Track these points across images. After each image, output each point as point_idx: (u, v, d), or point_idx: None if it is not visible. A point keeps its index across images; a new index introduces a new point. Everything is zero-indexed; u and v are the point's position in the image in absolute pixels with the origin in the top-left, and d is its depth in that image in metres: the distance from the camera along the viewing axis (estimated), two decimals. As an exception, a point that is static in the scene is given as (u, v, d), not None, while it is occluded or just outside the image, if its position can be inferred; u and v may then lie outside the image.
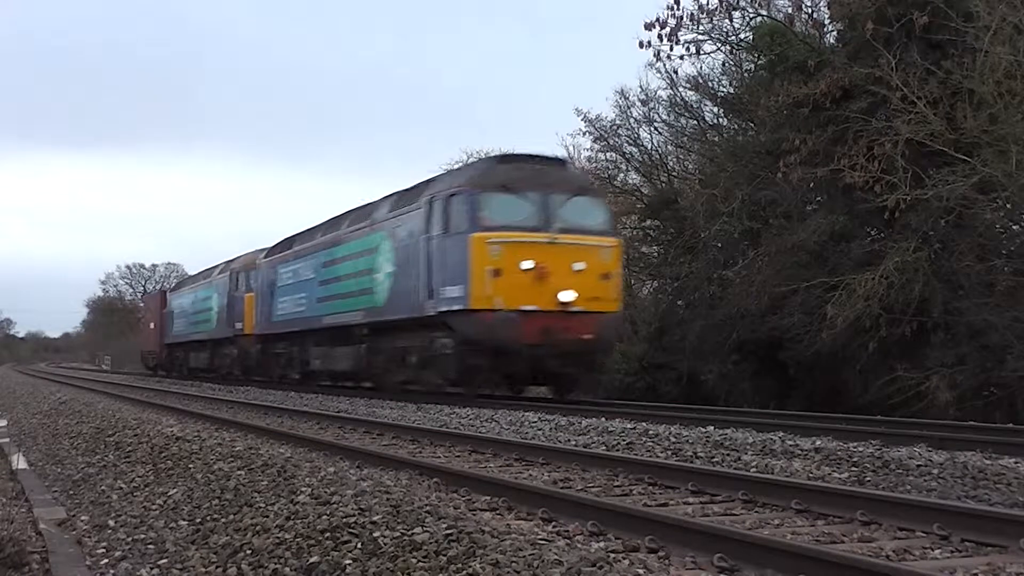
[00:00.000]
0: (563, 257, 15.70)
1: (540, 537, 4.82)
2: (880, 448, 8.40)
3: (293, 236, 27.09)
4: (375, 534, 4.64)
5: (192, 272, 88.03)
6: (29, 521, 6.39)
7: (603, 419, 12.07)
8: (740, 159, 23.30)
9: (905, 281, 17.50)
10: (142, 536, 5.84)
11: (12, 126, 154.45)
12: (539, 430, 11.38)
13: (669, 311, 26.93)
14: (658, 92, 28.13)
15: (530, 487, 6.50)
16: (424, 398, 18.10)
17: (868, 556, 4.46)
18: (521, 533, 4.82)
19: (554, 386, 17.64)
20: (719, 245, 24.72)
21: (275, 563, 4.62)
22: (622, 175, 31.32)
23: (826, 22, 22.29)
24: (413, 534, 4.55)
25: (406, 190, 19.42)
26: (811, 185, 20.76)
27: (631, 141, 30.28)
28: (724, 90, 26.32)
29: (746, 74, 25.12)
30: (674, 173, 29.76)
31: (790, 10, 22.70)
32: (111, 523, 6.34)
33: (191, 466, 7.89)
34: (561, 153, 28.23)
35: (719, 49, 24.48)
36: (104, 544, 5.75)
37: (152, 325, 47.05)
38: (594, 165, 31.30)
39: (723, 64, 25.81)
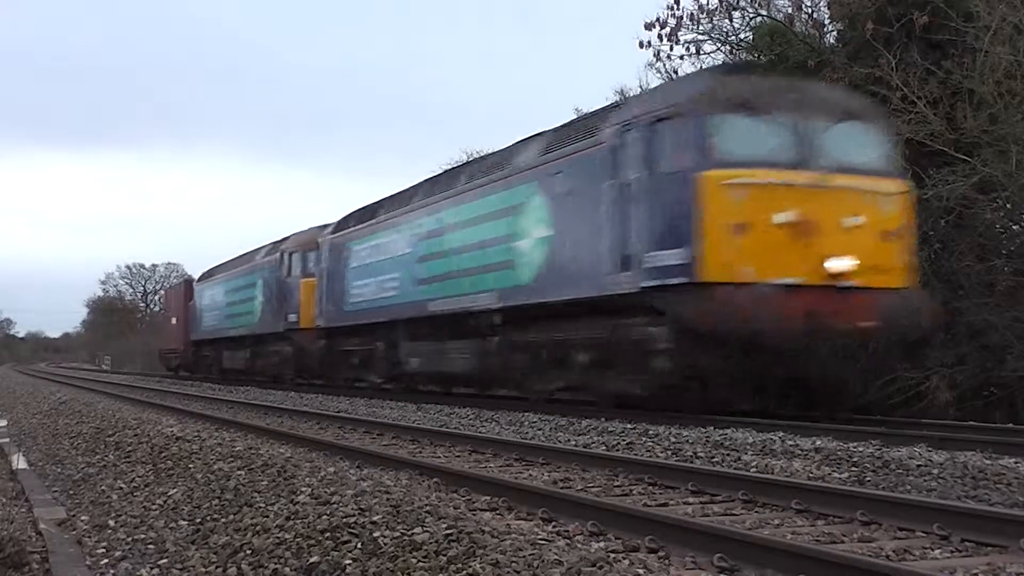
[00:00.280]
0: (832, 207, 11.22)
1: (540, 537, 4.82)
2: (880, 448, 8.40)
3: (374, 204, 22.01)
4: (375, 534, 4.64)
5: (186, 273, 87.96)
6: (29, 521, 6.38)
7: (603, 419, 12.07)
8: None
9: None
10: (142, 536, 5.84)
11: (12, 126, 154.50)
12: (539, 430, 11.38)
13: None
14: (658, 92, 28.13)
15: (530, 487, 6.50)
16: (423, 398, 18.06)
17: (868, 556, 4.46)
18: (521, 533, 4.82)
19: (814, 398, 12.20)
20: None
21: (275, 563, 4.62)
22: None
23: (826, 22, 22.27)
24: (413, 534, 4.55)
25: (567, 124, 14.92)
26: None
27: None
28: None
29: (746, 74, 25.10)
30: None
31: (790, 10, 22.67)
32: (111, 523, 6.35)
33: (191, 466, 7.89)
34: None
35: (719, 49, 24.43)
36: (104, 544, 5.75)
37: (174, 320, 42.03)
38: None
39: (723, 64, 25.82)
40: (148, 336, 75.93)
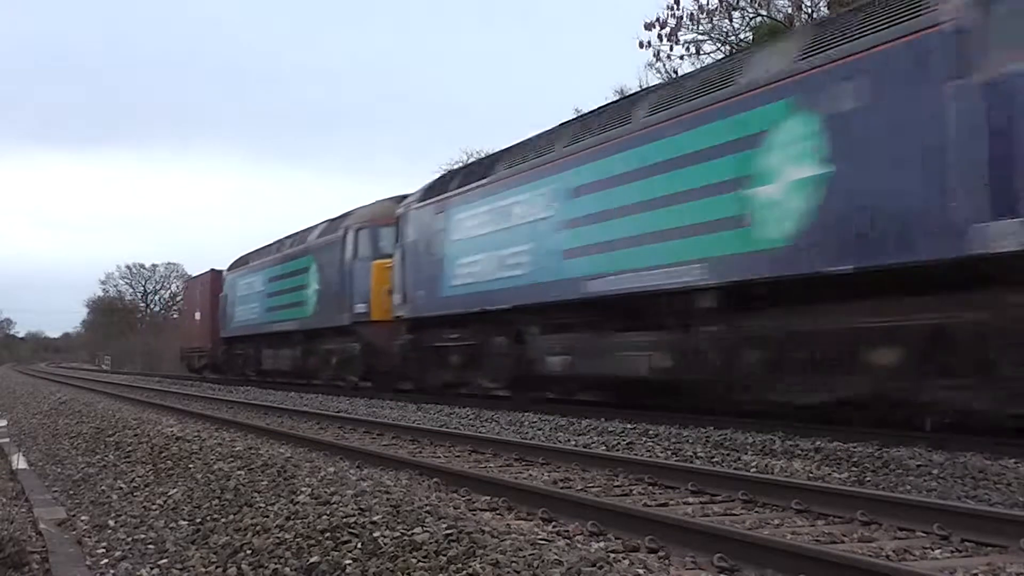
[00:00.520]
0: None
1: (540, 537, 4.82)
2: (880, 448, 8.40)
3: (486, 158, 18.63)
4: (375, 534, 4.64)
5: (186, 272, 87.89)
6: (29, 521, 6.38)
7: (603, 419, 12.08)
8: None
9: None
10: (142, 536, 5.84)
11: (12, 126, 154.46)
12: (539, 430, 11.39)
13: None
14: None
15: (530, 487, 6.50)
16: (425, 398, 18.05)
17: (868, 556, 4.46)
18: (521, 533, 4.82)
19: None
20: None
21: (275, 563, 4.62)
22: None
23: (826, 22, 22.30)
24: (413, 534, 4.55)
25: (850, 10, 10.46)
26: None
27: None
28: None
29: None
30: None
31: (790, 10, 22.73)
32: (111, 523, 6.34)
33: (191, 466, 7.89)
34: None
35: (719, 49, 24.49)
36: (104, 544, 5.75)
37: (196, 316, 37.67)
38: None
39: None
40: (148, 336, 76.06)
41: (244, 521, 5.54)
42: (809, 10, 22.96)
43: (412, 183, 22.26)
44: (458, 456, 9.16)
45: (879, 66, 9.14)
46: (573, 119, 15.71)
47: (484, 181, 16.15)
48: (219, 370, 35.44)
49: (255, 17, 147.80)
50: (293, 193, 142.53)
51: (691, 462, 8.11)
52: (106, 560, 5.33)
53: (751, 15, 23.53)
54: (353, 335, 22.16)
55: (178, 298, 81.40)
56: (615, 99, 15.83)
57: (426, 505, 5.27)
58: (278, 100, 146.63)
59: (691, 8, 22.50)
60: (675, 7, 22.07)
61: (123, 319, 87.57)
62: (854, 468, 7.57)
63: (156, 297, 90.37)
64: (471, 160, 29.16)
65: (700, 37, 23.44)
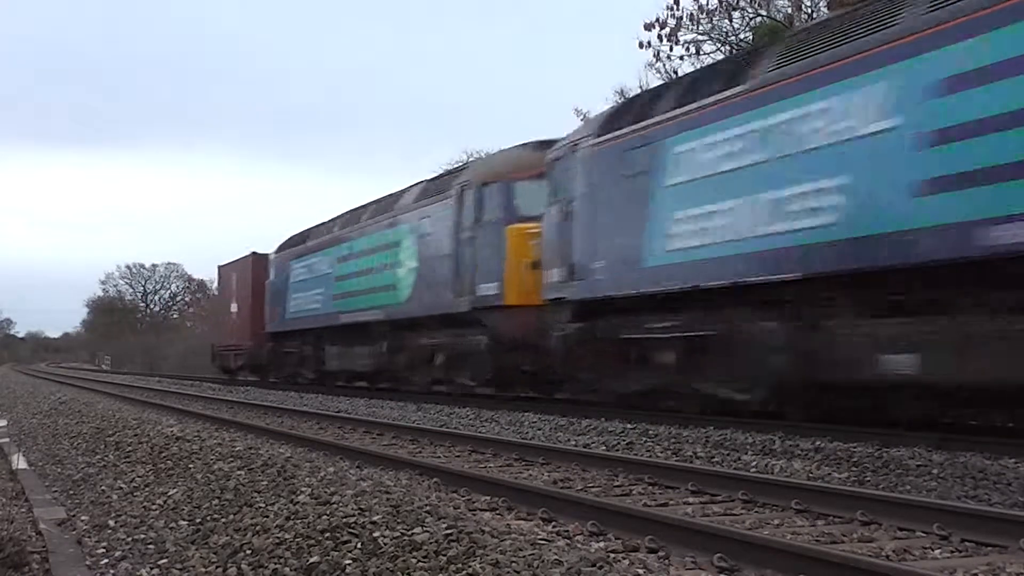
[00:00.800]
0: None
1: (540, 537, 4.82)
2: (880, 448, 8.40)
3: (742, 54, 14.82)
4: (375, 534, 4.64)
5: (186, 272, 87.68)
6: (29, 521, 6.38)
7: (603, 419, 12.08)
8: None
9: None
10: (142, 536, 5.84)
11: (12, 126, 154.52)
12: (539, 430, 11.39)
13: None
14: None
15: (530, 487, 6.51)
16: (423, 398, 18.05)
17: (868, 556, 4.46)
18: (521, 533, 4.82)
19: None
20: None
21: (275, 563, 4.62)
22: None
23: (826, 22, 22.29)
24: (413, 534, 4.55)
25: None
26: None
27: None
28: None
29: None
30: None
31: (790, 10, 22.73)
32: (111, 523, 6.34)
33: (191, 466, 7.89)
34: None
35: (719, 49, 24.51)
36: (104, 544, 5.75)
37: (232, 308, 32.61)
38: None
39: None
40: (148, 336, 76.12)
41: (244, 521, 5.54)
42: (809, 10, 22.97)
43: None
44: (458, 456, 9.16)
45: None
46: None
47: (738, 90, 10.95)
48: (262, 371, 30.09)
49: (255, 17, 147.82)
50: (293, 193, 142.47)
51: (691, 462, 8.12)
52: (106, 560, 5.33)
53: (751, 15, 23.54)
54: (474, 326, 16.80)
55: (213, 287, 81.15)
56: None
57: (426, 505, 5.27)
58: (278, 100, 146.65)
59: (691, 8, 22.52)
60: (675, 7, 22.10)
61: (123, 319, 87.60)
62: (854, 468, 7.57)
63: (156, 297, 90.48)
64: (471, 159, 28.92)
65: (700, 37, 23.47)
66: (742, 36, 24.05)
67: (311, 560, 4.50)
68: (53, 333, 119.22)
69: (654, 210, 12.08)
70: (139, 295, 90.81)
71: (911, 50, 8.87)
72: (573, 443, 9.77)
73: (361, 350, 21.95)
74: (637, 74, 64.84)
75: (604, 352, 13.29)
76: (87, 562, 5.25)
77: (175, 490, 7.01)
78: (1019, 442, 8.18)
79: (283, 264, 27.64)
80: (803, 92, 10.05)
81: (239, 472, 7.13)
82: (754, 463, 7.93)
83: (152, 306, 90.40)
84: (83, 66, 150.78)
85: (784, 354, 10.43)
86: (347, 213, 24.66)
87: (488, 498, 6.38)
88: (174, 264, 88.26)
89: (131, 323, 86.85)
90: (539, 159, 15.53)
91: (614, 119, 13.50)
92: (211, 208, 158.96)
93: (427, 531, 4.57)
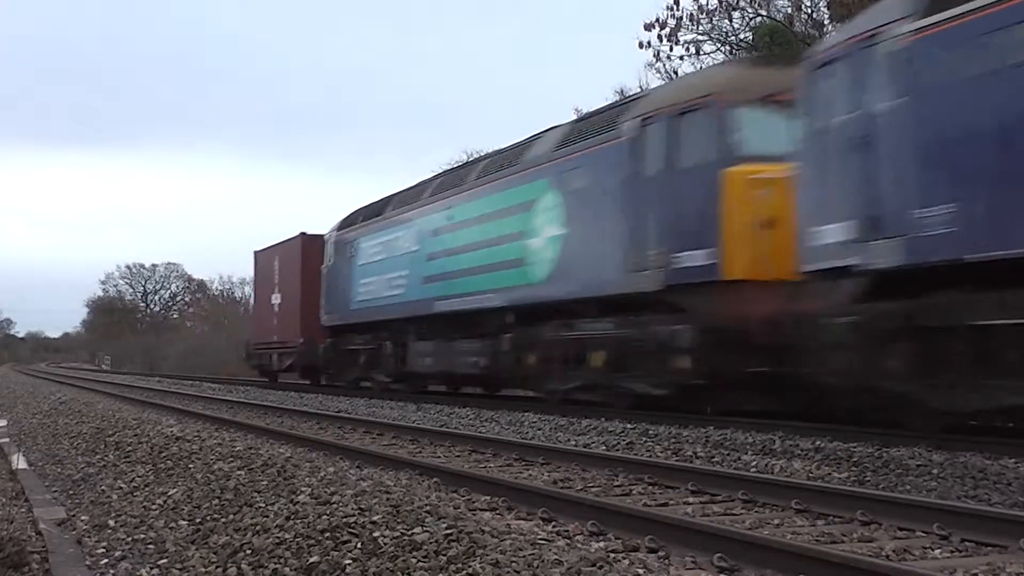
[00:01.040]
0: None
1: (540, 537, 4.82)
2: (880, 448, 8.40)
3: None
4: (375, 534, 4.64)
5: (186, 272, 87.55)
6: (29, 521, 6.38)
7: (603, 419, 12.08)
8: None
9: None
10: (142, 536, 5.84)
11: (12, 126, 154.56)
12: (539, 430, 11.40)
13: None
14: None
15: (530, 487, 6.51)
16: (425, 397, 18.06)
17: (868, 556, 4.46)
18: (521, 533, 4.82)
19: None
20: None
21: (275, 563, 4.62)
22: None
23: (825, 22, 22.30)
24: (413, 534, 4.55)
25: None
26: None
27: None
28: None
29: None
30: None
31: (790, 10, 22.73)
32: (111, 523, 6.34)
33: (191, 466, 7.89)
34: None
35: (719, 49, 24.50)
36: (104, 544, 5.75)
37: (275, 299, 27.70)
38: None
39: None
40: (148, 336, 76.13)
41: (244, 521, 5.54)
42: (809, 10, 22.97)
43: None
44: (458, 456, 9.17)
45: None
46: None
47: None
48: (315, 373, 26.17)
49: (255, 17, 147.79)
50: (293, 193, 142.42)
51: (691, 462, 8.12)
52: (106, 560, 5.33)
53: (751, 15, 23.54)
54: (658, 311, 12.38)
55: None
56: None
57: (426, 505, 5.27)
58: (278, 100, 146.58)
59: (691, 8, 22.52)
60: (675, 7, 22.11)
61: (123, 319, 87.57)
62: (854, 468, 7.57)
63: (156, 297, 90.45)
64: (471, 159, 27.97)
65: (700, 37, 23.46)
66: (742, 36, 24.05)
67: (311, 560, 4.50)
68: (53, 333, 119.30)
69: None
70: (139, 295, 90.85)
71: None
72: (573, 443, 9.77)
73: (467, 347, 17.13)
74: (637, 74, 64.96)
75: (946, 349, 8.49)
76: (87, 562, 5.25)
77: (175, 490, 7.01)
78: (1019, 442, 8.18)
79: (346, 244, 22.59)
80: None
81: (239, 472, 7.13)
82: (754, 463, 7.93)
83: (152, 306, 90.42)
84: (83, 66, 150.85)
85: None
86: (441, 175, 20.47)
87: (488, 498, 6.38)
88: (174, 264, 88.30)
89: (131, 323, 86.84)
90: (766, 77, 11.84)
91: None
92: (211, 208, 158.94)
93: (427, 531, 4.57)
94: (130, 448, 9.87)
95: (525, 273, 15.07)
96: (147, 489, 7.44)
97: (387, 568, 4.20)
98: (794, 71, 10.76)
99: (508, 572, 3.94)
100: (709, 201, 11.70)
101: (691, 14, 22.43)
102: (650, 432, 10.38)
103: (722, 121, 11.81)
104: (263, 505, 5.78)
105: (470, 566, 4.03)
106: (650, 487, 6.94)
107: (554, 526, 5.49)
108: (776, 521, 5.62)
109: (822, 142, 9.82)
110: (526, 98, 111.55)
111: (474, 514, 5.64)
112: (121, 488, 7.73)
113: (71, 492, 7.94)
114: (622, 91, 29.63)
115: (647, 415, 11.94)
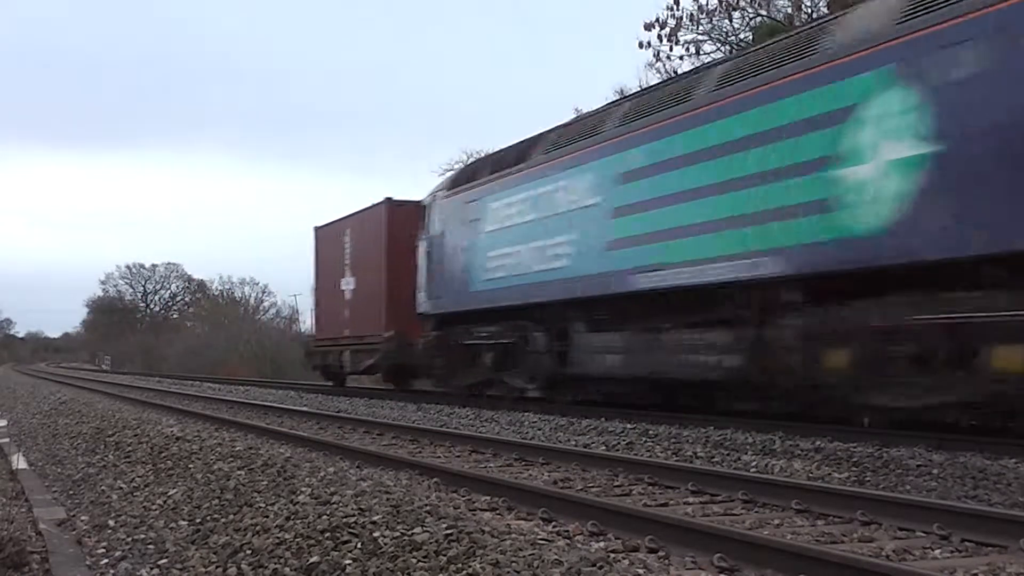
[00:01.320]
0: None
1: (540, 537, 4.82)
2: (880, 448, 8.41)
3: None
4: (375, 534, 4.64)
5: (186, 272, 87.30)
6: (29, 521, 6.39)
7: (603, 419, 12.08)
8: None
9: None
10: (142, 536, 5.84)
11: (12, 126, 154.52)
12: (539, 430, 11.40)
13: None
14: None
15: (530, 487, 6.51)
16: (425, 397, 18.01)
17: (868, 556, 4.46)
18: (521, 533, 4.82)
19: None
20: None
21: (275, 563, 4.62)
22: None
23: (826, 22, 22.31)
24: (413, 534, 4.55)
25: None
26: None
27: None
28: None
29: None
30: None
31: (790, 10, 22.75)
32: (111, 523, 6.35)
33: (191, 466, 7.89)
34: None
35: (719, 49, 24.51)
36: (104, 544, 5.75)
37: (346, 285, 22.74)
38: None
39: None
40: (148, 336, 76.10)
41: (244, 521, 5.54)
42: (809, 10, 22.98)
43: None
44: (458, 456, 9.16)
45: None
46: None
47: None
48: (406, 375, 21.18)
49: (255, 17, 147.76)
50: (293, 193, 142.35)
51: (691, 462, 8.12)
52: (106, 560, 5.33)
53: (751, 15, 23.55)
54: None
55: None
56: None
57: (426, 505, 5.27)
58: (278, 100, 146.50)
59: (691, 8, 22.54)
60: (675, 7, 22.12)
61: (123, 319, 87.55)
62: (854, 468, 7.57)
63: (156, 297, 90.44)
64: (471, 160, 27.63)
65: (700, 37, 23.47)
66: (742, 36, 24.06)
67: (311, 560, 4.50)
68: (53, 333, 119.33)
69: None
70: (139, 295, 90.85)
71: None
72: (573, 443, 9.77)
73: (699, 339, 11.82)
74: (637, 74, 64.95)
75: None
76: (87, 562, 5.25)
77: (175, 490, 7.01)
78: (1019, 442, 8.18)
79: (463, 207, 17.01)
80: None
81: (239, 472, 7.13)
82: (754, 463, 7.93)
83: (152, 306, 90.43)
84: (83, 66, 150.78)
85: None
86: (632, 97, 14.71)
87: (488, 498, 6.38)
88: (174, 264, 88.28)
89: (131, 323, 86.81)
90: None
91: None
92: (211, 208, 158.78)
93: (427, 531, 4.57)
94: (130, 448, 9.87)
95: (834, 222, 9.81)
96: (147, 489, 7.44)
97: (387, 568, 4.20)
98: None
99: (508, 572, 3.94)
100: None
101: (691, 14, 22.46)
102: (650, 432, 10.38)
103: None
104: (263, 505, 5.78)
105: (470, 566, 4.03)
106: (650, 487, 6.94)
107: (554, 526, 5.49)
108: (776, 521, 5.62)
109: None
110: (526, 98, 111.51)
111: (474, 514, 5.64)
112: (121, 488, 7.73)
113: (71, 492, 7.95)
114: (622, 91, 29.68)
115: (647, 415, 11.94)
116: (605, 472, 7.55)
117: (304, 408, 16.23)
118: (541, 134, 16.01)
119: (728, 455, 8.50)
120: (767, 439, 9.37)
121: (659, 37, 22.29)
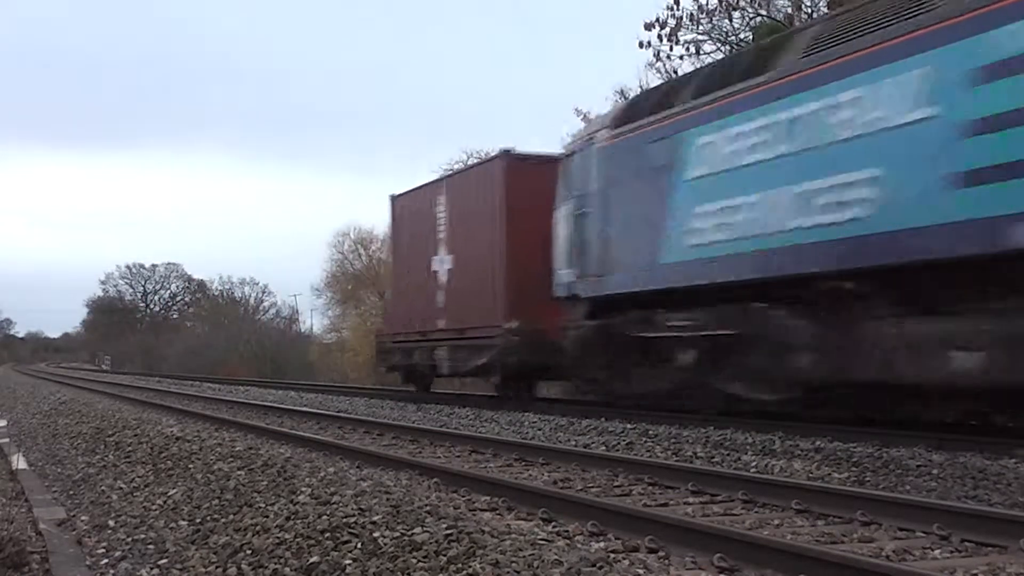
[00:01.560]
0: None
1: (540, 537, 4.82)
2: (880, 448, 8.41)
3: None
4: (375, 534, 4.64)
5: (185, 272, 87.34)
6: (29, 521, 6.39)
7: (603, 419, 12.08)
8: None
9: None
10: (142, 536, 5.84)
11: (12, 126, 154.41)
12: (539, 430, 11.39)
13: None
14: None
15: (530, 487, 6.51)
16: (422, 398, 18.05)
17: (868, 556, 4.46)
18: (521, 533, 4.82)
19: None
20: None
21: (275, 563, 4.62)
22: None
23: (826, 22, 22.32)
24: (413, 534, 4.55)
25: None
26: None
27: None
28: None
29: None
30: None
31: (790, 10, 22.73)
32: (111, 523, 6.35)
33: (191, 466, 7.89)
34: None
35: (719, 49, 24.48)
36: (104, 544, 5.75)
37: (443, 265, 18.25)
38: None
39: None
40: (148, 336, 76.12)
41: (244, 521, 5.54)
42: (809, 10, 22.97)
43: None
44: (458, 456, 9.16)
45: None
46: None
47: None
48: (531, 379, 17.23)
49: (255, 17, 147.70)
50: (292, 193, 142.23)
51: (691, 462, 8.12)
52: (106, 560, 5.33)
53: (751, 15, 23.53)
54: None
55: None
56: None
57: (426, 505, 5.27)
58: (278, 100, 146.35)
59: (691, 8, 22.50)
60: (675, 7, 22.07)
61: (123, 319, 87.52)
62: (854, 468, 7.57)
63: (156, 297, 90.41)
64: (471, 160, 26.77)
65: (700, 37, 23.44)
66: (742, 36, 24.04)
67: (311, 560, 4.50)
68: (53, 333, 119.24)
69: None
70: (139, 295, 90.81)
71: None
72: (573, 443, 9.77)
73: None
74: (637, 74, 64.94)
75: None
76: (87, 562, 5.25)
77: (175, 490, 7.01)
78: (1019, 442, 8.18)
79: (640, 150, 12.55)
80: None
81: (239, 472, 7.13)
82: (754, 463, 7.93)
83: (152, 306, 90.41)
84: (83, 66, 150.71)
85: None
86: None
87: (488, 498, 6.38)
88: (174, 264, 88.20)
89: (131, 323, 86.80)
90: None
91: None
92: (211, 208, 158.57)
93: (427, 531, 4.57)
94: (130, 448, 9.87)
95: None
96: (147, 489, 7.44)
97: (387, 568, 4.20)
98: None
99: (508, 572, 3.94)
100: None
101: (691, 14, 22.42)
102: (650, 432, 10.38)
103: None
104: (263, 505, 5.78)
105: (470, 566, 4.03)
106: (650, 487, 6.94)
107: (554, 526, 5.49)
108: (776, 521, 5.62)
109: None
110: (526, 98, 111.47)
111: (474, 514, 5.63)
112: (121, 488, 7.73)
113: (71, 492, 7.95)
114: (622, 91, 29.66)
115: (647, 415, 11.94)
116: (605, 472, 7.55)
117: (304, 408, 16.23)
118: (791, 32, 12.49)
119: (728, 455, 8.50)
120: (767, 439, 9.36)
121: (659, 37, 22.25)
